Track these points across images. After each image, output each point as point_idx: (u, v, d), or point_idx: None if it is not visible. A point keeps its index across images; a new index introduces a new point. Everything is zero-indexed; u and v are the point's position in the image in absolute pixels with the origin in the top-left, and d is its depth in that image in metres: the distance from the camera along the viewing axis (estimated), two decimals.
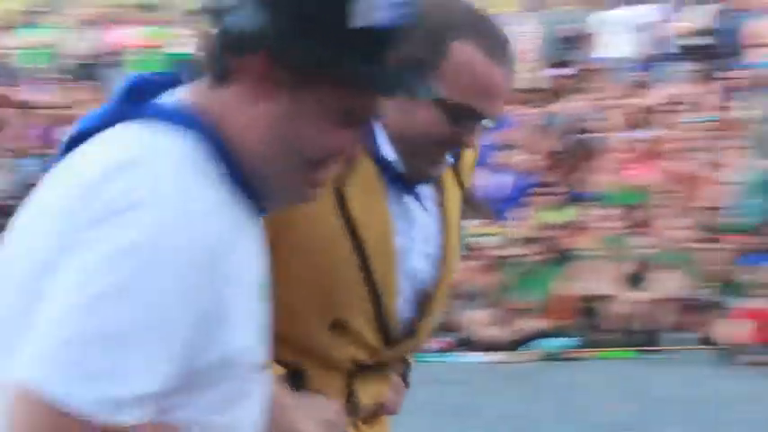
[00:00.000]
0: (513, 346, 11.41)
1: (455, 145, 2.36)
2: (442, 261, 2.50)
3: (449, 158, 2.43)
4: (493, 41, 2.29)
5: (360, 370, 2.42)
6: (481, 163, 5.32)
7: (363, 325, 2.38)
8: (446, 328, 10.85)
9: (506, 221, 12.70)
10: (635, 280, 11.87)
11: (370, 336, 2.39)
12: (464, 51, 2.25)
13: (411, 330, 2.47)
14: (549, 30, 15.71)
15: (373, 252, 2.35)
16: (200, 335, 1.57)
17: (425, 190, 2.47)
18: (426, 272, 2.48)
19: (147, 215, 1.54)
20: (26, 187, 9.30)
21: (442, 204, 2.51)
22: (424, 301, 2.49)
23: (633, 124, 13.92)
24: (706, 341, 11.33)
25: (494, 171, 13.04)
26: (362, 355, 2.41)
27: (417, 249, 2.45)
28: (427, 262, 2.48)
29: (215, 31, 1.65)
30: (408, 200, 2.43)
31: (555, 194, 12.80)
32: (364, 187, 2.36)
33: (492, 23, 2.33)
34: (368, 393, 2.46)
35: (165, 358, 1.53)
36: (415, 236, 2.45)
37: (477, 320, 11.57)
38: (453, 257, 2.54)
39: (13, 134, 14.43)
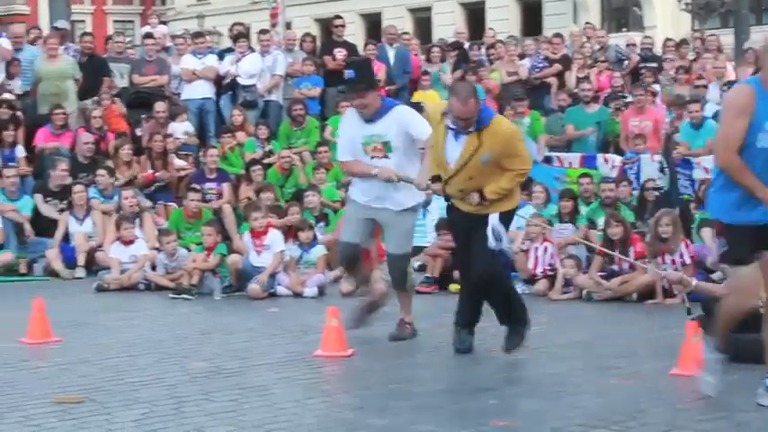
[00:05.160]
0: None
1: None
2: (456, 159, 7.97)
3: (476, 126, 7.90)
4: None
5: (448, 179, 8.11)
6: None
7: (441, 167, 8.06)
8: None
9: None
10: None
11: (443, 171, 8.06)
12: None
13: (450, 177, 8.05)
14: None
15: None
16: None
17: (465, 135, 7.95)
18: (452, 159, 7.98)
19: None
20: None
21: (465, 141, 7.95)
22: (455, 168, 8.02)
23: None
24: None
25: None
26: (444, 176, 8.09)
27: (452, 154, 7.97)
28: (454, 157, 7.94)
29: None
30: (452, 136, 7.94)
31: None
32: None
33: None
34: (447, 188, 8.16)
35: None
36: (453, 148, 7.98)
37: None
38: (460, 162, 8.00)
39: None
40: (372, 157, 8.77)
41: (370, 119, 8.76)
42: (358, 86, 8.73)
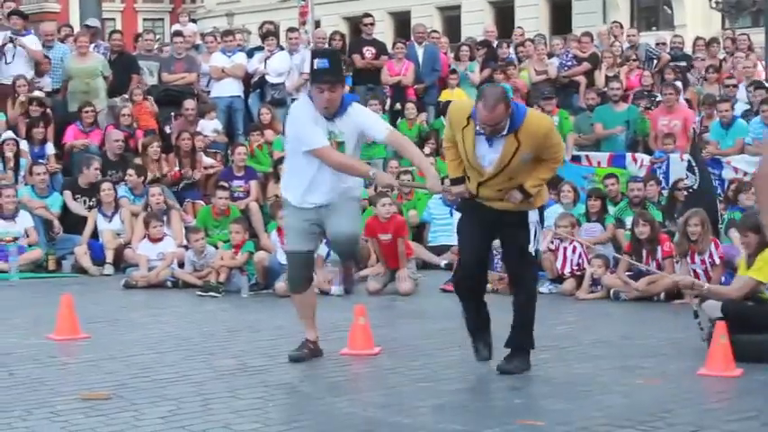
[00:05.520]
0: None
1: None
2: (495, 163, 7.54)
3: (509, 128, 7.50)
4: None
5: (480, 184, 7.68)
6: None
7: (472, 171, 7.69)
8: None
9: None
10: None
11: (478, 175, 7.63)
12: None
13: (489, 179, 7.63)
14: None
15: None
16: None
17: (499, 138, 7.53)
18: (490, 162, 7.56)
19: None
20: None
21: (503, 144, 7.52)
22: (494, 171, 7.56)
23: None
24: None
25: None
26: (477, 179, 7.65)
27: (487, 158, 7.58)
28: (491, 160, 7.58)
29: None
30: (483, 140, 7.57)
31: None
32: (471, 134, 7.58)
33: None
34: (482, 191, 7.70)
35: None
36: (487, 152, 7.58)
37: None
38: (500, 164, 7.54)
39: None
40: None
41: (328, 115, 8.02)
42: (331, 79, 7.93)
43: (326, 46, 18.80)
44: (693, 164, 13.79)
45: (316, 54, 8.38)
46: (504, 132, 7.53)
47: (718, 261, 11.43)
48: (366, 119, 8.17)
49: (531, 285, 8.16)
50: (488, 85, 9.38)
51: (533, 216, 7.85)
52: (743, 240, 8.84)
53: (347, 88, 17.86)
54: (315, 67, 8.04)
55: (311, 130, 7.97)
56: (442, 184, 8.24)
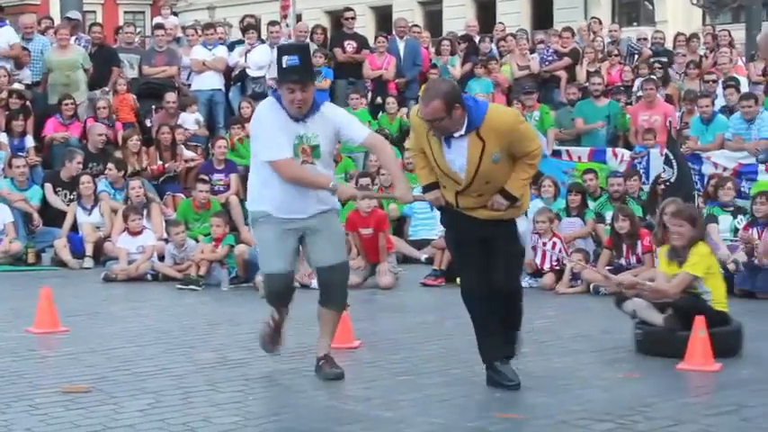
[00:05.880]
0: None
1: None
2: (465, 168, 6.95)
3: (468, 127, 6.92)
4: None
5: (458, 193, 7.09)
6: None
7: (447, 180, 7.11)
8: None
9: None
10: None
11: (455, 183, 7.05)
12: None
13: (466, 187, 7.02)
14: None
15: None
16: None
17: (459, 140, 6.94)
18: (461, 168, 6.94)
19: None
20: None
21: (467, 146, 6.90)
22: (467, 178, 6.96)
23: None
24: None
25: None
26: (454, 188, 7.07)
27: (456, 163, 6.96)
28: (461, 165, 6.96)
29: None
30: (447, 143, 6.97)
31: None
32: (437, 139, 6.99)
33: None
34: (461, 201, 7.12)
35: None
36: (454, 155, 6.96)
37: None
38: (470, 169, 6.93)
39: None
40: (303, 162, 7.28)
41: (299, 117, 7.27)
42: (303, 77, 7.17)
43: (307, 40, 18.79)
44: (671, 157, 13.83)
45: (283, 50, 7.47)
46: (462, 132, 6.96)
47: None
48: (343, 119, 7.51)
49: (519, 295, 7.63)
50: (435, 79, 9.06)
51: (522, 225, 7.40)
52: (677, 230, 8.51)
53: (328, 82, 17.99)
54: (284, 65, 7.23)
55: (274, 137, 7.22)
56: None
